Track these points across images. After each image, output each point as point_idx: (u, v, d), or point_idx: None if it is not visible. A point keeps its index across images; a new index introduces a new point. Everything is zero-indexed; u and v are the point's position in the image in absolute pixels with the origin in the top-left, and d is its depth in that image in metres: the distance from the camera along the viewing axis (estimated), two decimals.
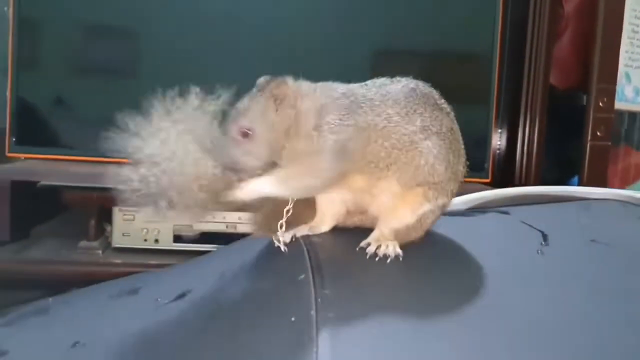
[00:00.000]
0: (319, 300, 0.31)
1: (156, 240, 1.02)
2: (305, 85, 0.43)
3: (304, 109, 0.41)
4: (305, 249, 0.37)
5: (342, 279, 0.34)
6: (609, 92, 1.08)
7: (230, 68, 1.08)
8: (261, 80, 0.43)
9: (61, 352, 0.36)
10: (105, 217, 1.03)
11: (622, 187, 1.22)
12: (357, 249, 0.38)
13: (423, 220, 0.41)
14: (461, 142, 0.45)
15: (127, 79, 1.11)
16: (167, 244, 1.02)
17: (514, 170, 1.25)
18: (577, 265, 0.38)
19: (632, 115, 1.24)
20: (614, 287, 0.36)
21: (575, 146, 1.15)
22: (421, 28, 1.14)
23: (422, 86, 0.45)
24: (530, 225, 0.42)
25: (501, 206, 0.48)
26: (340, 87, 0.43)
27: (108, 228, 1.05)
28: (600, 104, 1.07)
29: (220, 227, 1.01)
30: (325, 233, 0.41)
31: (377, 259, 0.37)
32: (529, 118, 1.21)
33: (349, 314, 0.31)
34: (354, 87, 0.44)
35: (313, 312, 0.30)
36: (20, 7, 1.02)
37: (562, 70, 1.26)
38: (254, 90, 0.43)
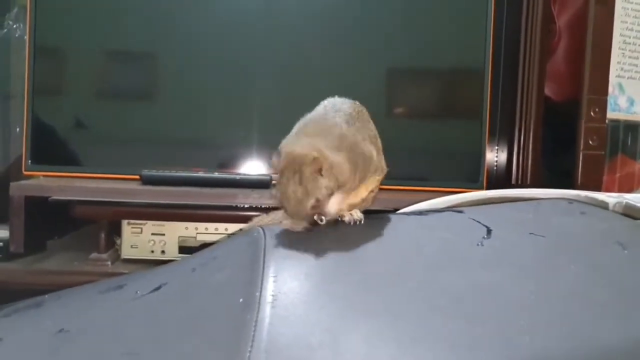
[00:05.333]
0: (265, 283, 0.35)
1: (162, 252, 1.07)
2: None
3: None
4: (263, 242, 0.41)
5: (288, 266, 0.38)
6: (601, 102, 1.10)
7: (248, 91, 1.14)
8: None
9: (47, 338, 0.41)
10: (115, 230, 1.09)
11: None
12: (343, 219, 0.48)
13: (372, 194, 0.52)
14: None
15: (137, 102, 1.18)
16: (173, 254, 1.07)
17: (511, 182, 1.27)
18: (509, 254, 0.41)
19: (630, 125, 1.25)
20: (537, 269, 0.39)
21: (571, 156, 1.16)
22: (413, 45, 1.19)
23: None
24: (478, 222, 0.45)
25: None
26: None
27: (117, 240, 1.10)
28: (592, 114, 1.09)
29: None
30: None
31: (352, 223, 0.48)
32: (524, 130, 1.23)
33: (290, 294, 0.35)
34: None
35: (258, 293, 0.34)
36: (36, 35, 1.11)
37: (557, 83, 1.29)
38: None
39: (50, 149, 1.12)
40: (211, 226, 1.07)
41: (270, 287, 0.35)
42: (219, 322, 0.34)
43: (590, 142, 1.10)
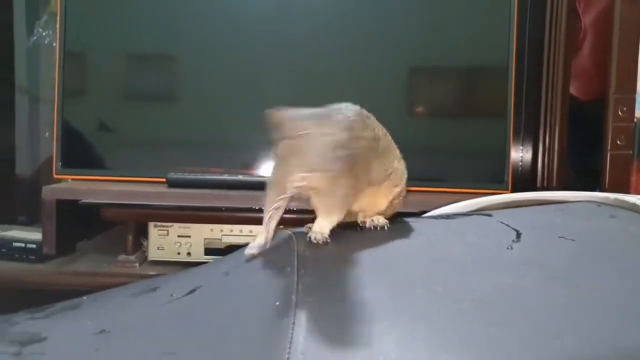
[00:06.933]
0: (300, 287, 0.36)
1: (188, 253, 1.09)
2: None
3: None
4: (295, 246, 0.42)
5: (321, 270, 0.39)
6: (628, 101, 1.08)
7: (270, 91, 1.16)
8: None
9: (89, 337, 0.42)
10: (142, 232, 1.12)
11: None
12: (360, 225, 0.49)
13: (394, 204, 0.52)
14: None
15: (165, 105, 1.21)
16: (199, 256, 1.09)
17: (536, 182, 1.26)
18: (539, 258, 0.41)
19: None
20: (567, 274, 0.39)
21: (599, 156, 1.15)
22: (436, 43, 1.18)
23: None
24: (507, 225, 0.45)
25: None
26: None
27: (144, 242, 1.13)
28: (620, 113, 1.08)
29: (247, 240, 1.07)
30: None
31: (373, 229, 0.49)
32: (549, 130, 1.22)
33: (325, 297, 0.35)
34: None
35: (294, 297, 0.35)
36: (66, 40, 1.13)
37: (583, 82, 1.27)
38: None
39: (79, 153, 1.15)
40: (236, 228, 1.08)
41: (304, 291, 0.36)
42: (256, 325, 0.35)
43: (618, 141, 1.09)
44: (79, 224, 1.14)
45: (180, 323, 0.40)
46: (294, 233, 0.46)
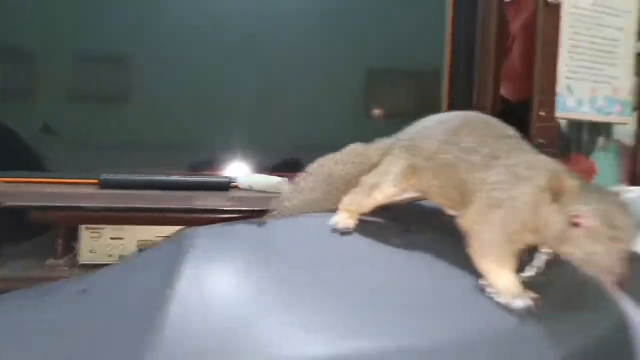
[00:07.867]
0: (178, 282, 0.36)
1: (121, 256, 1.07)
2: None
3: None
4: (186, 243, 0.43)
5: (203, 266, 0.39)
6: (549, 103, 1.14)
7: (222, 94, 1.15)
8: None
9: None
10: (73, 235, 1.09)
11: None
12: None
13: None
14: None
15: (98, 105, 1.18)
16: None
17: None
18: (424, 250, 0.43)
19: (581, 124, 1.30)
20: (447, 263, 0.41)
21: None
22: (372, 46, 1.21)
23: None
24: (398, 218, 0.47)
25: None
26: None
27: (76, 246, 1.10)
28: (542, 113, 1.13)
29: None
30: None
31: None
32: None
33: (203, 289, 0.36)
34: None
35: (169, 291, 0.35)
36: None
37: (512, 84, 1.32)
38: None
39: (4, 153, 1.11)
40: (170, 229, 1.07)
41: (183, 285, 0.37)
42: (134, 319, 0.36)
43: (542, 140, 1.14)
44: (3, 228, 1.10)
45: (70, 315, 0.40)
46: (191, 231, 0.47)
